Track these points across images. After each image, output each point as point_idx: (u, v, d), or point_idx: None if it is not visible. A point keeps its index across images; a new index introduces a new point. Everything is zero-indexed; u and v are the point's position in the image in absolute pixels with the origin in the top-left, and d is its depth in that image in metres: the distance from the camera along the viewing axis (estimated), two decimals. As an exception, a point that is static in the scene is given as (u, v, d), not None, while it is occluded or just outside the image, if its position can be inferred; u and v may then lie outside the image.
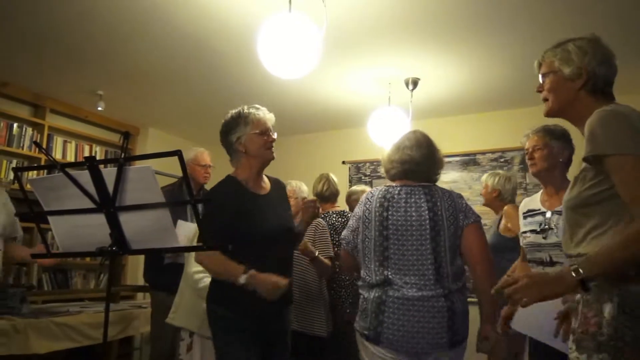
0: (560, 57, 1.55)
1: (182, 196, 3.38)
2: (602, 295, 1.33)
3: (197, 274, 2.69)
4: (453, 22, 3.20)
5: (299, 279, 3.04)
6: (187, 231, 3.05)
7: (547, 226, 1.97)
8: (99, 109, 4.64)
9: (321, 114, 5.10)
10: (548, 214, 1.99)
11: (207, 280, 2.51)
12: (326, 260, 3.06)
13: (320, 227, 3.22)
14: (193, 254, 2.62)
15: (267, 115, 2.29)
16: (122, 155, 1.46)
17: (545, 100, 1.58)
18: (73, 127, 5.08)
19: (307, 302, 3.05)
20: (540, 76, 1.61)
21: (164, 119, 5.44)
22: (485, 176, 3.65)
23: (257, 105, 2.32)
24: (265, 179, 2.38)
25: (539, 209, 2.07)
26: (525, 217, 2.16)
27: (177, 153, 1.41)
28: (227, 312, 2.10)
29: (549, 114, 1.59)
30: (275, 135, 2.30)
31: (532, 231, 2.02)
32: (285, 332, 2.29)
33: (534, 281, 1.32)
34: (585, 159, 1.40)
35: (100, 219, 1.52)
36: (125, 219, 1.52)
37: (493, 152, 4.77)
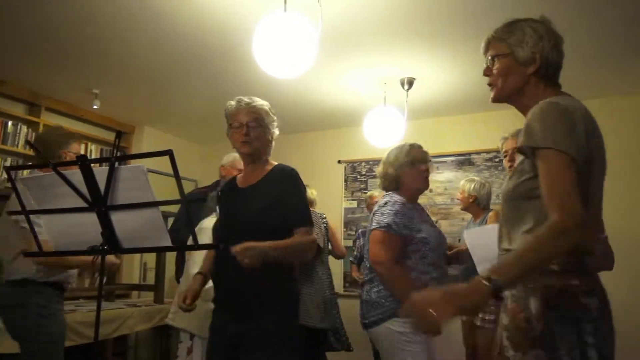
0: (515, 39, 1.45)
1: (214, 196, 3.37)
2: (527, 289, 1.28)
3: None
4: (448, 23, 3.21)
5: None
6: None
7: None
8: (95, 107, 4.63)
9: (317, 113, 5.10)
10: None
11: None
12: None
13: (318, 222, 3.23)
14: (194, 254, 2.61)
15: (240, 107, 2.13)
16: (114, 154, 1.46)
17: (492, 85, 1.50)
18: (68, 126, 5.05)
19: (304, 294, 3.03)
20: (488, 58, 1.50)
21: (159, 118, 5.44)
22: (462, 182, 3.77)
23: (241, 97, 2.19)
24: (266, 168, 2.16)
25: None
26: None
27: (168, 152, 1.42)
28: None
29: (496, 99, 1.51)
30: (249, 128, 2.10)
31: None
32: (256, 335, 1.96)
33: (445, 296, 1.16)
34: (519, 150, 1.35)
35: (92, 217, 1.53)
36: (117, 218, 1.52)
37: (488, 152, 4.78)
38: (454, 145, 4.94)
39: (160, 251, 1.84)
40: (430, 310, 1.13)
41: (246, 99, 2.17)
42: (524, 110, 1.45)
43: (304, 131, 5.75)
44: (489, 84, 1.51)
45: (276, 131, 2.21)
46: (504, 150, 2.52)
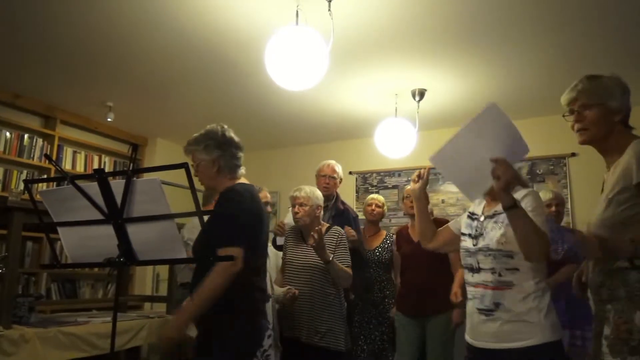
0: (605, 93, 1.70)
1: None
2: (631, 305, 1.51)
3: None
4: (459, 34, 3.22)
5: (317, 289, 2.86)
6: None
7: (478, 232, 1.95)
8: (109, 120, 4.70)
9: (328, 124, 5.13)
10: (482, 219, 1.96)
11: None
12: (345, 268, 2.86)
13: (340, 235, 2.99)
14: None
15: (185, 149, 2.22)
16: (130, 167, 1.48)
17: (583, 129, 1.73)
18: (83, 138, 5.14)
19: (328, 315, 2.83)
20: (578, 107, 1.75)
21: (172, 130, 5.49)
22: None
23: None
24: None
25: (479, 215, 2.04)
26: (467, 218, 2.14)
27: (184, 166, 1.43)
28: None
29: (587, 142, 1.76)
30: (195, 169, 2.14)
31: (469, 235, 2.00)
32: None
33: None
34: (637, 185, 1.56)
35: (108, 230, 1.54)
36: (132, 230, 1.54)
37: (500, 162, 4.77)
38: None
39: (175, 263, 1.85)
40: None
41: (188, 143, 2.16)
42: (609, 152, 1.73)
43: (315, 142, 5.77)
44: (579, 129, 1.76)
45: (215, 153, 2.12)
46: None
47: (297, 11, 2.69)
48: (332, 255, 2.78)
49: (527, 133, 5.31)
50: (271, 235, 3.39)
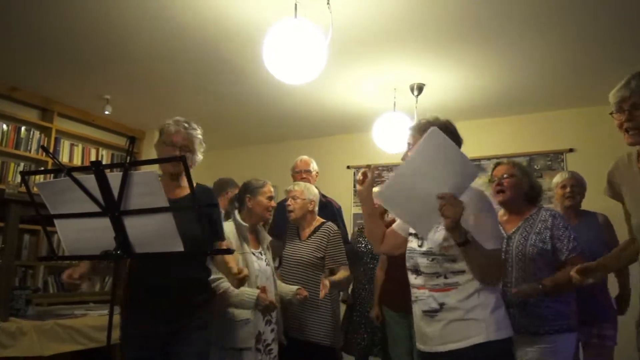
0: None
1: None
2: None
3: (212, 282, 2.49)
4: (457, 29, 3.21)
5: (310, 287, 2.90)
6: None
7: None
8: (106, 112, 4.68)
9: (326, 118, 5.12)
10: None
11: (224, 285, 2.49)
12: (344, 273, 2.93)
13: (333, 232, 3.03)
14: (213, 259, 2.59)
15: (179, 129, 2.28)
16: (128, 160, 1.47)
17: (633, 129, 1.69)
18: (80, 131, 5.13)
19: (318, 312, 2.90)
20: (628, 106, 1.69)
21: (170, 123, 5.47)
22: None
23: (178, 119, 2.32)
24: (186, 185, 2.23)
25: None
26: None
27: (182, 159, 1.43)
28: None
29: (636, 143, 1.72)
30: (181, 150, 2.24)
31: (414, 235, 1.97)
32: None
33: None
34: None
35: (105, 222, 1.54)
36: (129, 223, 1.53)
37: (498, 157, 4.76)
38: (465, 151, 4.87)
39: (172, 256, 1.85)
40: None
41: (185, 123, 2.30)
42: None
43: (313, 137, 5.76)
44: (628, 129, 1.70)
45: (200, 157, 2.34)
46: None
47: (295, 4, 2.68)
48: (328, 281, 2.81)
49: (526, 129, 5.39)
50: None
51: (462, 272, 1.75)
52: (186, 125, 2.28)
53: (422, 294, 1.83)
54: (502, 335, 1.71)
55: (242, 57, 3.66)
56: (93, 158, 5.15)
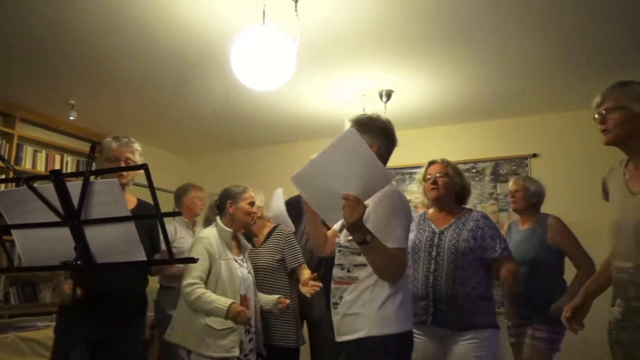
0: (630, 96, 1.80)
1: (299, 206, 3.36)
2: None
3: (187, 287, 2.54)
4: (425, 35, 3.26)
5: (267, 290, 2.98)
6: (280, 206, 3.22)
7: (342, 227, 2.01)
8: (71, 118, 4.57)
9: (295, 124, 5.12)
10: None
11: (199, 292, 2.50)
12: (308, 272, 2.99)
13: (287, 234, 3.17)
14: (190, 266, 2.57)
15: (121, 145, 2.49)
16: (88, 167, 1.44)
17: (606, 130, 1.83)
18: (44, 137, 4.98)
19: (276, 315, 2.95)
20: (603, 110, 1.84)
21: (136, 129, 5.36)
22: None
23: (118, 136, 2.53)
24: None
25: None
26: None
27: (144, 167, 1.40)
28: None
29: (611, 142, 1.85)
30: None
31: (340, 230, 2.03)
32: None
33: None
34: None
35: (65, 232, 1.50)
36: (91, 232, 1.50)
37: (465, 162, 4.84)
38: (432, 156, 4.92)
39: (135, 266, 1.81)
40: None
41: (124, 138, 2.52)
42: (632, 152, 1.85)
43: (282, 142, 5.75)
44: (602, 131, 1.85)
45: None
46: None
47: (263, 11, 2.67)
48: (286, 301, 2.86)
49: (491, 134, 5.49)
50: None
51: (364, 265, 1.83)
52: (126, 140, 2.47)
53: (333, 286, 1.95)
54: (386, 331, 1.77)
55: (210, 63, 3.63)
56: (57, 165, 5.01)
